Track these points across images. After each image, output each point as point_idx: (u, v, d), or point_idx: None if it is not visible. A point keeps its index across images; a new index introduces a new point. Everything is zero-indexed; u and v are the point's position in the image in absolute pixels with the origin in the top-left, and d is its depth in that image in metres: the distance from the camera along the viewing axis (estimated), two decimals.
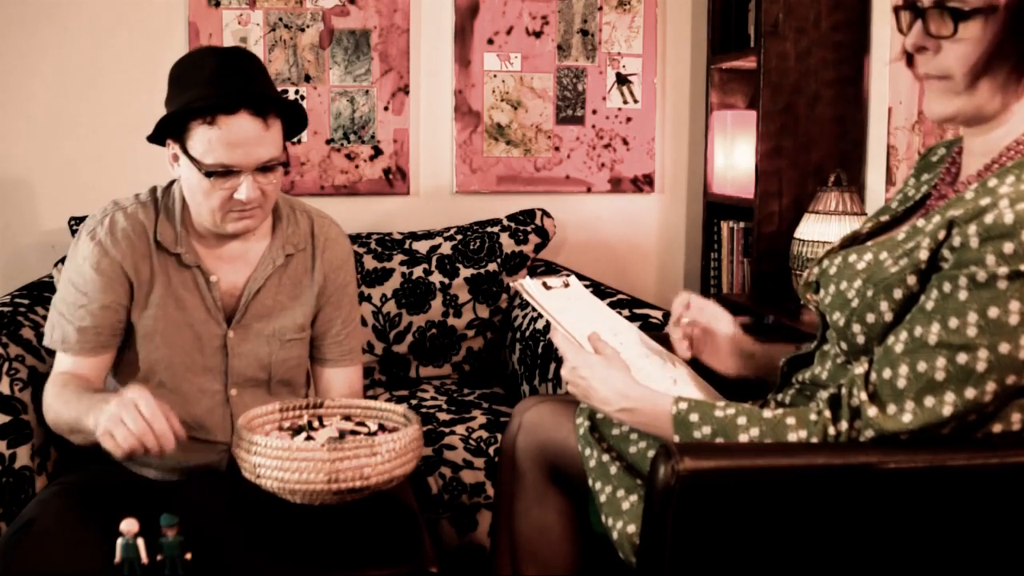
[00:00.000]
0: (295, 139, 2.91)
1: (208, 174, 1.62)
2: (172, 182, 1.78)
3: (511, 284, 1.55)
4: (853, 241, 1.42)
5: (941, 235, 1.17)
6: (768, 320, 1.61)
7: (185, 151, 1.64)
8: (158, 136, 1.68)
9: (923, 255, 1.18)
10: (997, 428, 1.18)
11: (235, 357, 1.77)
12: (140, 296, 1.72)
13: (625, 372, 1.40)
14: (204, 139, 1.60)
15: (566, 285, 1.54)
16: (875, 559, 1.18)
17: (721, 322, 1.58)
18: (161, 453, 1.46)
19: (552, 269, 2.86)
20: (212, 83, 1.61)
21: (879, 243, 1.30)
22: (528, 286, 1.48)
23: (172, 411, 1.49)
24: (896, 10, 1.24)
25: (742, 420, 1.26)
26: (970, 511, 1.18)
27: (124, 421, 1.44)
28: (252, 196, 1.64)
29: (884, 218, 1.43)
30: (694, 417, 1.30)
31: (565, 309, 1.48)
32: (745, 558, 1.19)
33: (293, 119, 1.73)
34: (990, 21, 1.14)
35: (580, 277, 2.69)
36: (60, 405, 1.64)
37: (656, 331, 2.11)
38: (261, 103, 1.62)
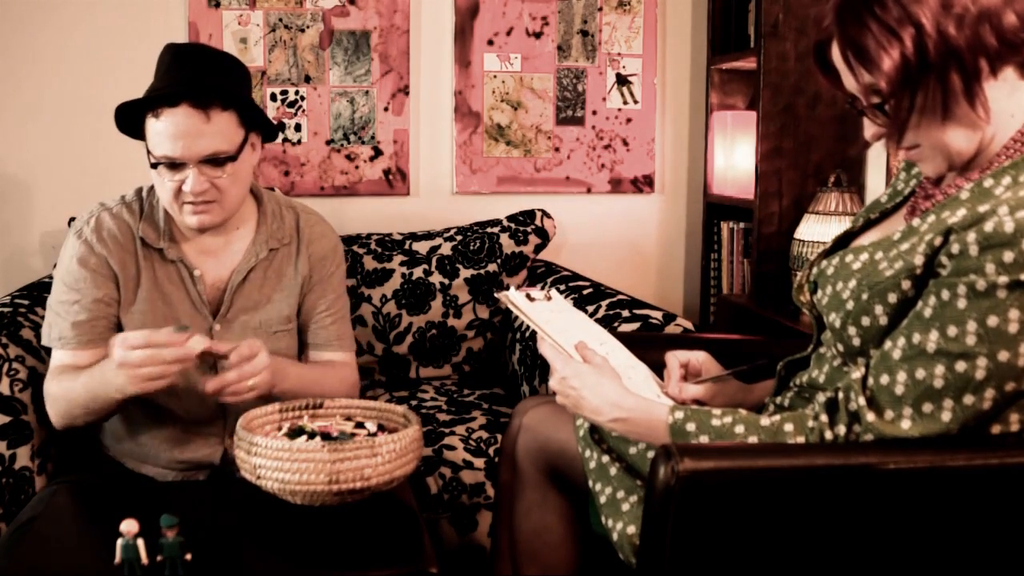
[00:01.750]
0: (296, 142, 2.91)
1: (154, 165, 1.68)
2: None
3: (496, 295, 1.55)
4: (845, 240, 1.42)
5: (937, 241, 1.16)
6: (762, 362, 1.61)
7: (146, 145, 1.70)
8: (134, 134, 1.73)
9: (918, 260, 1.18)
10: (996, 429, 1.18)
11: None
12: (127, 293, 1.76)
13: (616, 381, 1.39)
14: (152, 131, 1.67)
15: (548, 298, 1.54)
16: (875, 559, 1.18)
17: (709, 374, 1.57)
18: (188, 360, 1.53)
19: (542, 274, 2.86)
20: (161, 78, 1.67)
21: (874, 243, 1.29)
22: (513, 297, 1.48)
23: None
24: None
25: (740, 429, 1.26)
26: (970, 511, 1.18)
27: (131, 361, 1.49)
28: (197, 189, 1.67)
29: (874, 215, 1.43)
30: (691, 426, 1.29)
31: (551, 320, 1.47)
32: (745, 558, 1.19)
33: (262, 118, 1.77)
34: (904, 92, 1.17)
35: (580, 278, 2.69)
36: (66, 390, 1.68)
37: (656, 331, 2.12)
38: (202, 95, 1.64)
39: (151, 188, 1.82)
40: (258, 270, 1.82)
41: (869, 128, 1.25)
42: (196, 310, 1.79)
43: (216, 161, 1.68)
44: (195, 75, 1.66)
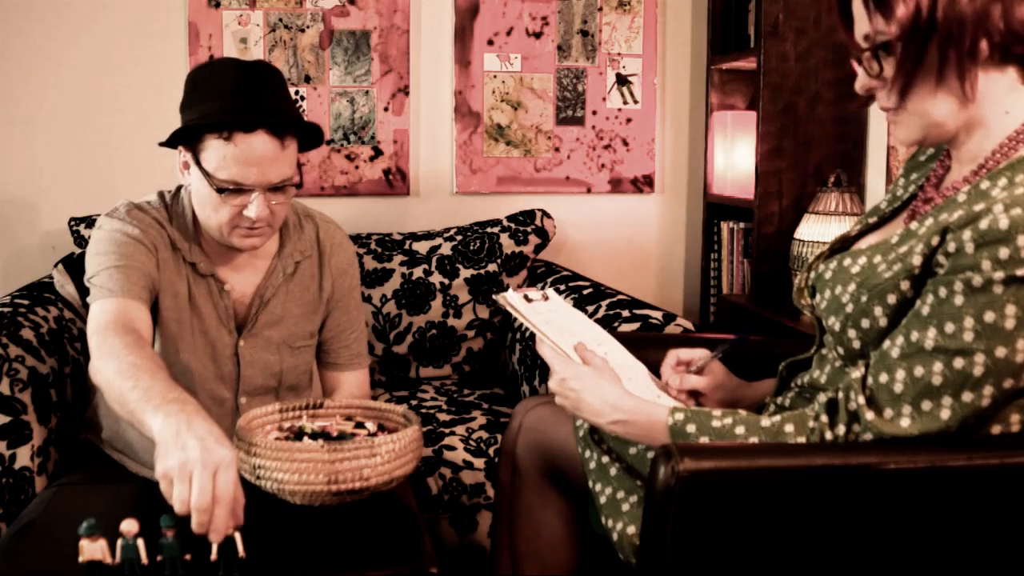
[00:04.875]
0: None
1: (220, 190, 1.61)
2: (180, 187, 1.78)
3: (494, 297, 1.54)
4: (843, 245, 1.42)
5: (935, 241, 1.17)
6: (746, 336, 1.61)
7: (197, 162, 1.62)
8: (170, 141, 1.65)
9: (916, 260, 1.18)
10: (996, 429, 1.18)
11: (247, 366, 1.77)
12: (166, 297, 1.72)
13: (616, 382, 1.39)
14: (219, 154, 1.59)
15: (545, 298, 1.53)
16: (875, 559, 1.18)
17: (711, 374, 1.55)
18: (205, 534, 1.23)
19: (542, 274, 2.86)
20: (233, 97, 1.58)
21: (873, 247, 1.30)
22: (511, 299, 1.47)
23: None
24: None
25: (740, 429, 1.26)
26: (970, 511, 1.18)
27: (192, 481, 1.21)
28: (261, 215, 1.62)
29: (872, 220, 1.43)
30: (691, 428, 1.29)
31: (549, 321, 1.47)
32: (745, 558, 1.19)
33: (308, 134, 1.71)
34: (911, 45, 1.18)
35: (580, 278, 2.69)
36: (117, 374, 1.42)
37: (656, 331, 2.12)
38: (280, 123, 1.60)
39: (174, 195, 1.78)
40: (283, 285, 1.80)
41: (861, 79, 1.25)
42: (222, 324, 1.75)
43: (280, 187, 1.64)
44: (271, 100, 1.60)
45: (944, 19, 1.15)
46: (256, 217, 1.62)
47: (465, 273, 2.71)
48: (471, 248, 2.75)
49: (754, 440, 1.25)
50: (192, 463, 1.21)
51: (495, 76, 3.00)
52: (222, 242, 1.70)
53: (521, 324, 1.47)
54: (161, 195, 1.78)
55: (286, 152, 1.62)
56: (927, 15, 1.16)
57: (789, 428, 1.24)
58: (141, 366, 1.42)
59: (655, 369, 1.56)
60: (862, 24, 1.23)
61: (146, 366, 1.42)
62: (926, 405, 1.16)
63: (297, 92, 2.90)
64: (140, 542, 1.23)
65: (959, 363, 1.13)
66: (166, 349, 1.73)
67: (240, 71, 1.62)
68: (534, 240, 2.79)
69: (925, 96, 1.20)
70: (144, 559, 1.23)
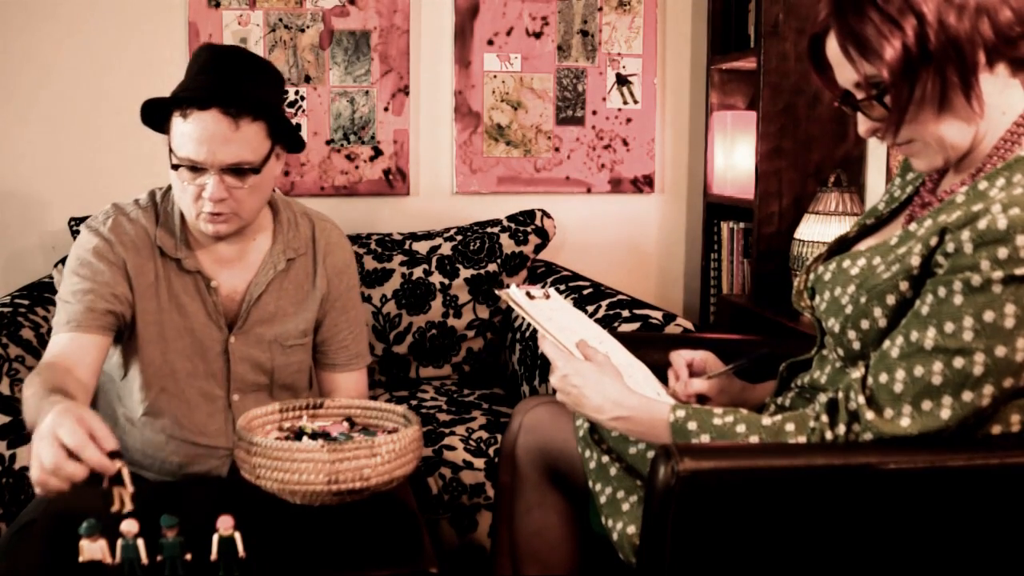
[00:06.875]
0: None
1: (175, 166, 1.64)
2: (171, 185, 1.78)
3: (497, 293, 1.55)
4: (841, 246, 1.42)
5: (933, 241, 1.17)
6: (762, 352, 1.61)
7: (169, 143, 1.66)
8: (156, 128, 1.69)
9: (915, 261, 1.19)
10: (996, 429, 1.18)
11: (237, 363, 1.76)
12: (143, 301, 1.71)
13: (618, 379, 1.39)
14: (178, 131, 1.62)
15: (547, 296, 1.54)
16: (875, 559, 1.18)
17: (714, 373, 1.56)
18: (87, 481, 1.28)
19: (542, 274, 2.86)
20: (195, 77, 1.63)
21: (872, 248, 1.30)
22: (514, 295, 1.48)
23: (108, 430, 1.30)
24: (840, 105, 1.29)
25: (741, 428, 1.26)
26: (970, 511, 1.18)
27: (40, 455, 1.26)
28: (216, 196, 1.62)
29: (870, 221, 1.43)
30: (692, 425, 1.29)
31: (551, 318, 1.48)
32: (745, 558, 1.19)
33: (292, 136, 1.72)
34: (903, 82, 1.17)
35: (580, 278, 2.69)
36: (25, 397, 1.48)
37: (656, 331, 2.12)
38: (234, 102, 1.60)
39: (164, 193, 1.78)
40: (275, 281, 1.78)
41: (863, 123, 1.25)
42: (211, 321, 1.75)
43: (238, 171, 1.63)
44: (231, 81, 1.62)
45: (939, 45, 1.15)
46: (210, 198, 1.62)
47: (465, 273, 2.71)
48: (471, 248, 2.75)
49: (755, 439, 1.25)
50: (34, 441, 1.29)
51: (495, 76, 3.00)
52: (196, 229, 1.71)
53: (522, 323, 1.47)
54: (152, 193, 1.79)
55: (240, 133, 1.61)
56: (917, 48, 1.16)
57: (790, 427, 1.24)
58: (37, 387, 1.46)
59: (656, 370, 1.56)
60: (847, 72, 1.23)
61: (41, 386, 1.45)
62: (926, 405, 1.16)
63: (297, 92, 2.90)
64: (140, 542, 1.23)
65: (959, 362, 1.13)
66: (150, 352, 1.72)
67: (210, 53, 1.67)
68: (534, 240, 2.79)
69: (930, 124, 1.20)
70: (144, 559, 1.23)
